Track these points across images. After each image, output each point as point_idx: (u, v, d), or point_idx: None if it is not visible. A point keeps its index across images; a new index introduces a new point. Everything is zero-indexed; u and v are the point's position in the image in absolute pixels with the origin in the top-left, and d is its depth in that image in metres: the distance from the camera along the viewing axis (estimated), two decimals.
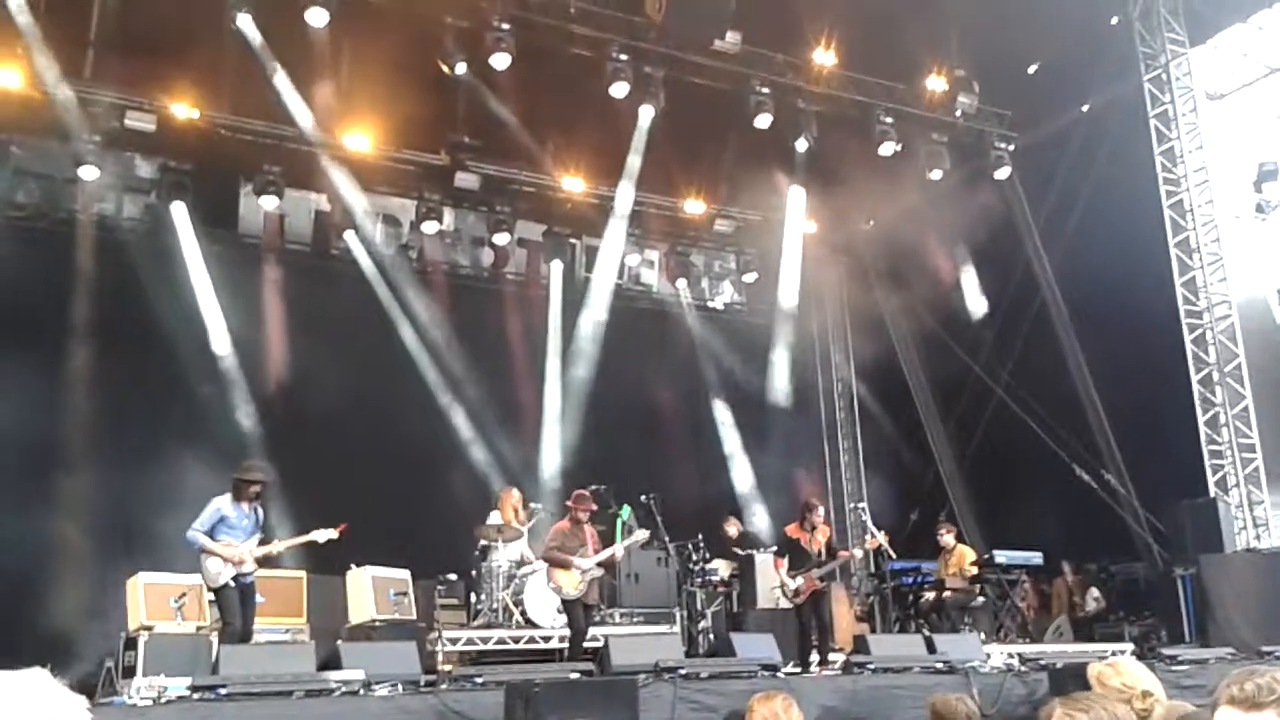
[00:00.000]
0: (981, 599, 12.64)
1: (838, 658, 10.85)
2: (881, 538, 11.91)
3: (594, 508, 10.70)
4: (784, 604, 12.20)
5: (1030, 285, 16.45)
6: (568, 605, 10.50)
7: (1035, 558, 13.41)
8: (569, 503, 10.77)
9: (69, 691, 1.44)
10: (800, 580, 10.93)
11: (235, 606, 8.92)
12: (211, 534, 8.93)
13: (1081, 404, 15.44)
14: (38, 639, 10.91)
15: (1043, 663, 9.83)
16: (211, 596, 10.23)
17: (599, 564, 10.43)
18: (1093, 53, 15.50)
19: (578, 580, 10.28)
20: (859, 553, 12.66)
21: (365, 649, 8.98)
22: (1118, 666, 4.18)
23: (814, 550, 11.11)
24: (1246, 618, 12.45)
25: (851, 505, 18.35)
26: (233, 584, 8.96)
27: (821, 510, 11.53)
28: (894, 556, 12.81)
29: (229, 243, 15.29)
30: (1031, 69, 16.25)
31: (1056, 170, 15.89)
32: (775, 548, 11.72)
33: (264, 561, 9.32)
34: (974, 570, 12.62)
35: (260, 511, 9.33)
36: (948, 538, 12.84)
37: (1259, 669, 2.41)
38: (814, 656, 10.84)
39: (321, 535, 9.49)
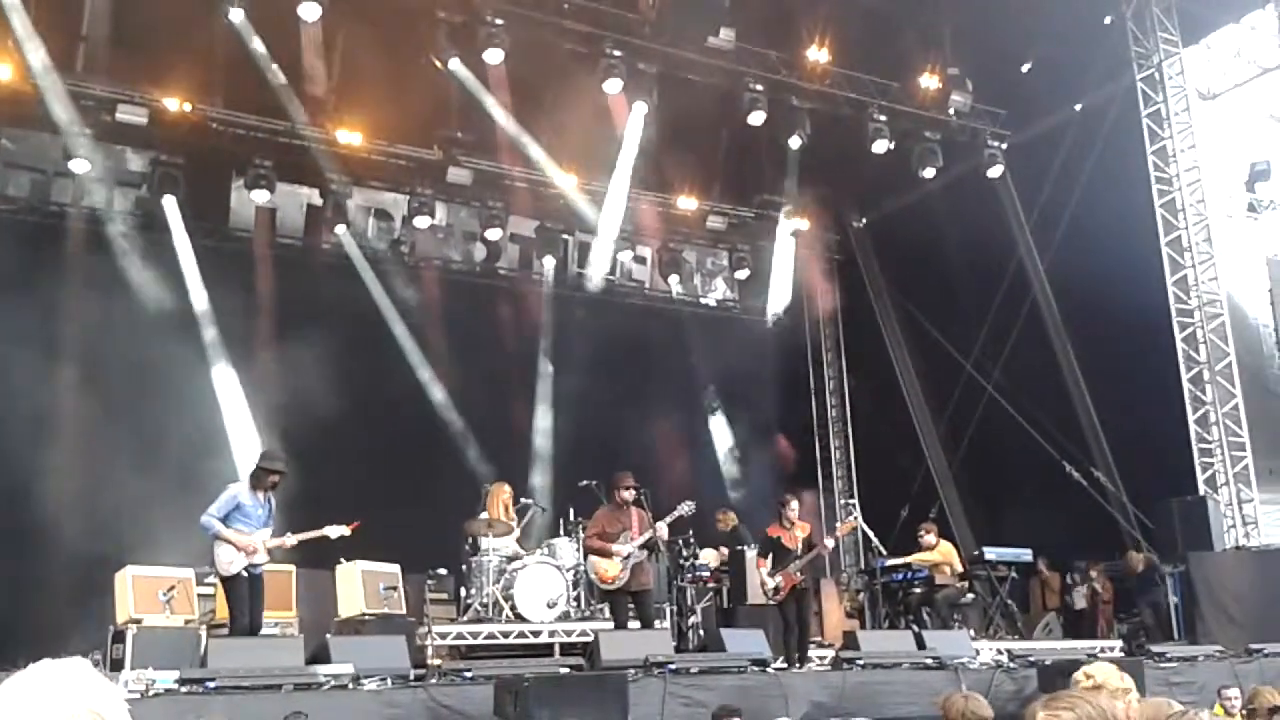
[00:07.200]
0: (972, 595, 12.65)
1: (827, 653, 10.85)
2: (854, 522, 11.73)
3: (633, 484, 10.30)
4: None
5: (1022, 283, 16.50)
6: (609, 597, 10.30)
7: (1025, 554, 13.47)
8: (612, 486, 10.45)
9: (108, 681, 1.45)
10: (779, 578, 10.60)
11: (244, 598, 8.79)
12: (225, 521, 8.78)
13: (1072, 402, 15.50)
14: (25, 632, 10.87)
15: (1031, 659, 9.89)
16: (209, 591, 10.23)
17: (640, 546, 10.06)
18: (1086, 52, 15.53)
19: (618, 568, 10.03)
20: (830, 543, 11.94)
21: (354, 643, 8.97)
22: (1091, 671, 4.21)
23: (794, 547, 10.71)
24: (1234, 616, 12.55)
25: (843, 503, 18.37)
26: (244, 574, 8.81)
27: (796, 504, 11.04)
28: (884, 553, 12.82)
29: (220, 236, 15.26)
30: (1025, 68, 16.27)
31: (1049, 169, 15.92)
32: (757, 548, 11.50)
33: (274, 553, 9.25)
34: (960, 566, 12.63)
35: (273, 503, 9.19)
36: (929, 538, 12.77)
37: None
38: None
39: (334, 531, 9.39)
